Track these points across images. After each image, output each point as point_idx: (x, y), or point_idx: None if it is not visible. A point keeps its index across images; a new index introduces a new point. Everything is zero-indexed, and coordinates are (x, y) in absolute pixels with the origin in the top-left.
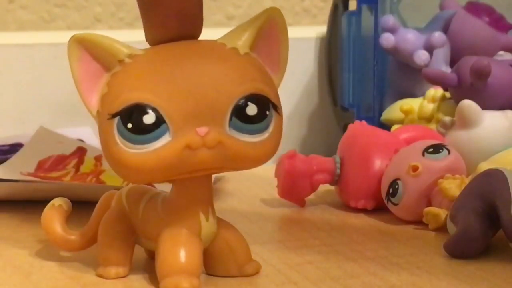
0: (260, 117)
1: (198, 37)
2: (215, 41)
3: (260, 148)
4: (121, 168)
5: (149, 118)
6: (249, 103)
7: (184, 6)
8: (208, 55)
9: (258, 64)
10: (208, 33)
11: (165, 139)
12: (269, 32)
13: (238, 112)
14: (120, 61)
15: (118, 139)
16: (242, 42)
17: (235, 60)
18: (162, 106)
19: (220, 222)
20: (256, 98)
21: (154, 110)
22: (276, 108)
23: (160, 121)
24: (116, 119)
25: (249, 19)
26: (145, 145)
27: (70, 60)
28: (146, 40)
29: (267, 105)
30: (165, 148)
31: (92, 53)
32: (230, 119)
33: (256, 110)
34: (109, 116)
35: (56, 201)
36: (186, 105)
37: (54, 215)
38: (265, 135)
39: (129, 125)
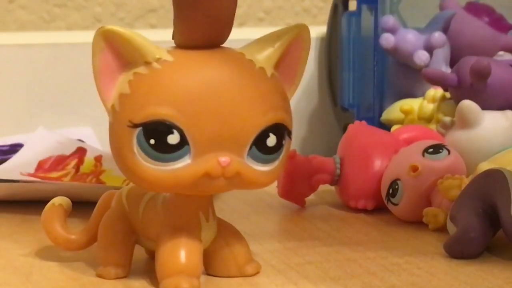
0: (278, 147)
1: (225, 41)
2: (243, 55)
3: (271, 175)
4: (134, 178)
5: (173, 138)
6: (270, 134)
7: (220, 13)
8: (237, 75)
9: (280, 86)
10: None
11: (185, 161)
12: (294, 49)
13: (259, 143)
14: (147, 63)
15: (136, 150)
16: (269, 60)
17: (263, 85)
18: (187, 128)
19: (220, 222)
20: (276, 129)
21: (180, 130)
22: (290, 134)
23: (183, 142)
24: (138, 130)
25: (276, 32)
26: (164, 163)
27: (94, 50)
28: (173, 39)
29: (284, 134)
30: (184, 170)
31: (117, 46)
32: (250, 148)
33: (275, 141)
34: (130, 124)
35: (56, 201)
36: (211, 130)
37: (54, 215)
38: (276, 163)
39: (152, 141)
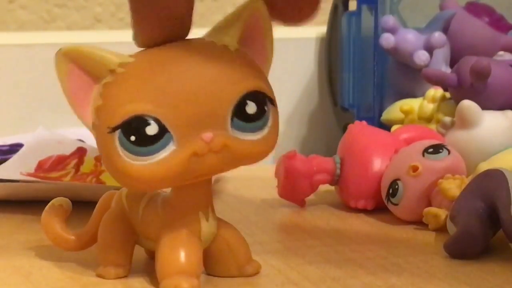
0: (260, 113)
1: (186, 36)
2: (203, 39)
3: (263, 144)
4: (126, 180)
5: (151, 129)
6: (247, 101)
7: (177, 8)
8: (200, 57)
9: (248, 59)
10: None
11: (170, 148)
12: (254, 24)
13: (238, 112)
14: (111, 71)
15: (121, 152)
16: (231, 38)
17: (227, 59)
18: (163, 115)
19: (220, 222)
20: (253, 96)
21: (156, 120)
22: (272, 101)
23: (163, 131)
24: (117, 132)
25: (232, 12)
26: (150, 156)
27: (59, 75)
28: (135, 43)
29: (264, 100)
30: (171, 157)
31: (81, 65)
32: (232, 120)
33: (255, 108)
34: (109, 130)
35: (56, 201)
36: (187, 112)
37: (53, 215)
38: (266, 130)
39: (132, 138)
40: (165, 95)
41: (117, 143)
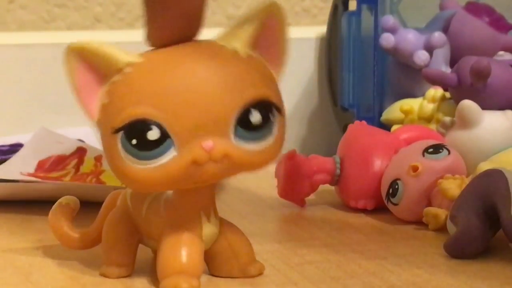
0: (264, 123)
1: (197, 35)
2: (214, 42)
3: (266, 153)
4: (126, 180)
5: (153, 134)
6: (252, 110)
7: (190, 8)
8: (208, 61)
9: (259, 64)
10: (208, 33)
11: (170, 154)
12: (269, 27)
13: (242, 121)
14: (120, 70)
15: (122, 153)
16: (243, 42)
17: (236, 65)
18: (165, 121)
19: (223, 222)
20: (259, 104)
21: (158, 125)
22: (279, 109)
23: (164, 136)
24: (120, 134)
25: (247, 14)
26: (151, 161)
27: (68, 70)
28: (147, 41)
29: (270, 109)
30: (171, 163)
31: (90, 61)
32: (235, 128)
33: (259, 117)
34: (112, 130)
35: (63, 200)
36: (190, 118)
37: (60, 214)
38: (270, 140)
39: (134, 141)
40: (168, 100)
41: (119, 144)
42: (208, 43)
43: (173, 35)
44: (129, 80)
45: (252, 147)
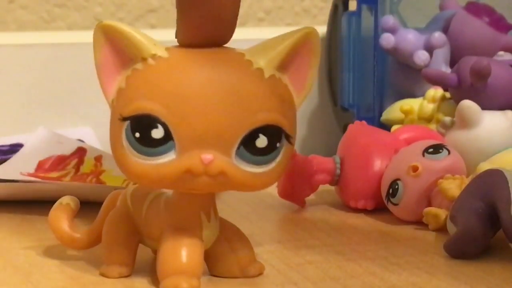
0: (269, 149)
1: (228, 41)
2: (242, 55)
3: (265, 177)
4: (123, 170)
5: (157, 132)
6: (260, 135)
7: (222, 12)
8: (229, 75)
9: (280, 88)
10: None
11: (169, 156)
12: (301, 53)
13: (247, 143)
14: (144, 59)
15: (124, 143)
16: (269, 62)
17: (256, 85)
18: (172, 123)
19: (222, 222)
20: (268, 130)
21: (164, 125)
22: (289, 138)
23: (168, 137)
24: (126, 123)
25: (283, 34)
26: (149, 157)
27: (94, 45)
28: (176, 38)
29: (279, 136)
30: (168, 166)
31: (118, 43)
32: (238, 148)
33: (266, 143)
34: (120, 117)
35: (64, 200)
36: (197, 127)
37: (61, 214)
38: (272, 165)
39: (137, 135)
40: (180, 103)
41: (123, 133)
42: (235, 55)
43: (200, 37)
44: (148, 73)
45: (252, 169)
